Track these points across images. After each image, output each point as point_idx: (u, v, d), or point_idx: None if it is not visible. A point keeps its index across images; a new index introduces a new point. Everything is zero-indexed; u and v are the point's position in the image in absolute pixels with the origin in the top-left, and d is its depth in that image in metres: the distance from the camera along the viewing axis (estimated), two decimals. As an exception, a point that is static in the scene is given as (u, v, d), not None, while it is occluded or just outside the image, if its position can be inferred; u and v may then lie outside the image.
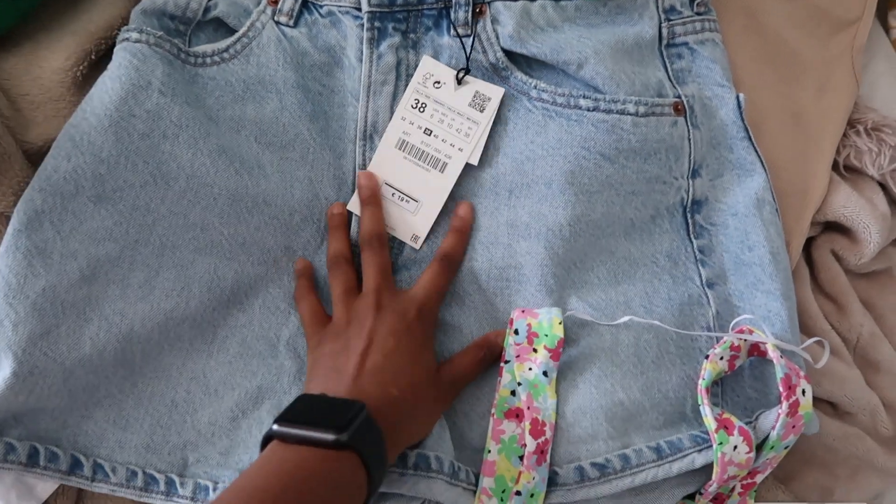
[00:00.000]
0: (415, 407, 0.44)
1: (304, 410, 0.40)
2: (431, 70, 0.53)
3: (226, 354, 0.50)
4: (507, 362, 0.48)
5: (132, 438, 0.48)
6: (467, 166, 0.52)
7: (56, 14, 0.53)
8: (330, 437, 0.37)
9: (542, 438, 0.45)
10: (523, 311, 0.50)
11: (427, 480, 0.44)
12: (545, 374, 0.47)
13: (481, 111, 0.52)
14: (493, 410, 0.47)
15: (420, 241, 0.52)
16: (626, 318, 0.49)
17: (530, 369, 0.47)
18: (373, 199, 0.51)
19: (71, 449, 0.46)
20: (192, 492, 0.47)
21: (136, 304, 0.48)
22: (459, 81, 0.53)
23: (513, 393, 0.47)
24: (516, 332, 0.49)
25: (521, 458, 0.46)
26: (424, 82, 0.53)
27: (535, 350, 0.48)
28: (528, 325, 0.49)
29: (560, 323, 0.48)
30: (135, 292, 0.48)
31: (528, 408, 0.46)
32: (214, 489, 0.47)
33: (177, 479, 0.47)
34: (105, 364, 0.47)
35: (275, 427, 0.38)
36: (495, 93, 0.52)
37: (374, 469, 0.38)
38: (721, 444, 0.45)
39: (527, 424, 0.46)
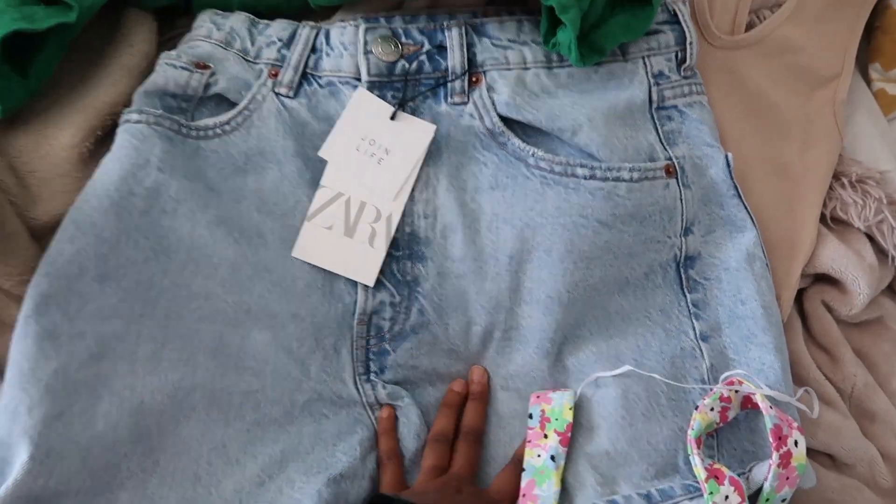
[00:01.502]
0: None
1: None
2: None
3: (242, 422, 0.50)
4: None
5: None
6: (469, 232, 0.53)
7: (63, 91, 0.54)
8: None
9: None
10: (538, 397, 0.51)
11: None
12: (553, 458, 0.48)
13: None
14: None
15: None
16: (624, 369, 0.50)
17: (539, 456, 0.48)
18: (481, 395, 0.53)
19: None
20: None
21: (144, 378, 0.48)
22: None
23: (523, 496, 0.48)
24: (531, 416, 0.50)
25: None
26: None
27: (545, 436, 0.49)
28: (542, 410, 0.50)
29: (570, 409, 0.49)
30: (143, 366, 0.48)
31: (525, 495, 0.47)
32: None
33: None
34: (121, 440, 0.47)
35: None
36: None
37: None
38: (711, 493, 0.46)
39: None
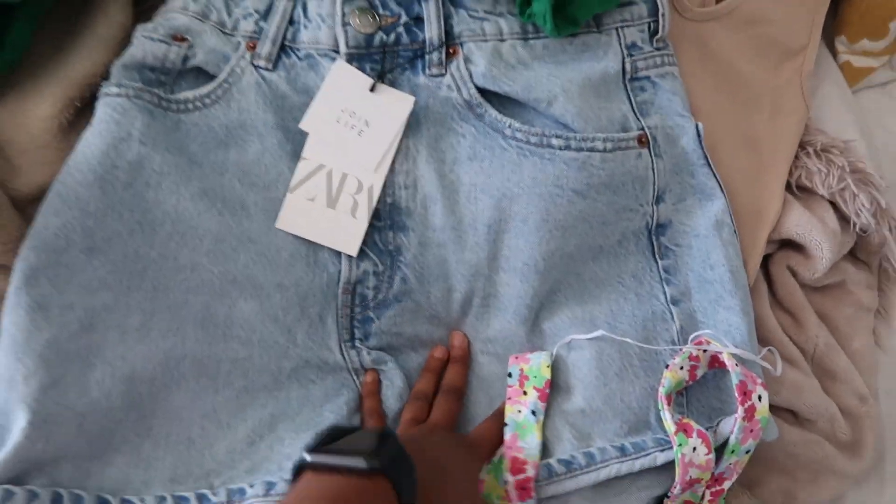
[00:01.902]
0: (452, 476, 0.46)
1: (335, 438, 0.40)
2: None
3: (232, 389, 0.51)
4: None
5: (156, 476, 0.49)
6: (449, 202, 0.54)
7: (40, 63, 0.54)
8: (363, 464, 0.37)
9: (523, 475, 0.48)
10: (517, 358, 0.53)
11: None
12: (533, 412, 0.50)
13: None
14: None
15: (354, 251, 0.54)
16: (598, 333, 0.52)
17: (519, 411, 0.51)
18: (462, 358, 0.55)
19: (96, 492, 0.47)
20: (226, 497, 0.48)
21: (135, 347, 0.49)
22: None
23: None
24: (510, 375, 0.52)
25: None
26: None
27: (524, 392, 0.51)
28: (521, 369, 0.52)
29: (548, 366, 0.52)
30: (132, 336, 0.49)
31: (510, 447, 0.49)
32: (251, 486, 0.48)
33: (208, 492, 0.48)
34: (114, 407, 0.48)
35: (307, 457, 0.38)
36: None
37: (405, 496, 0.39)
38: (681, 445, 0.49)
39: (506, 462, 0.49)
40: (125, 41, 0.55)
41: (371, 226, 0.54)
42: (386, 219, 0.55)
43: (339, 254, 0.54)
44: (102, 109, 0.52)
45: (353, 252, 0.54)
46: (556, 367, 0.53)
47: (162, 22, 0.55)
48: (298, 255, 0.54)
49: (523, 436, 0.50)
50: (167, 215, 0.51)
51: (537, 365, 0.52)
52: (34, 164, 0.52)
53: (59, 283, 0.48)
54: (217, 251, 0.52)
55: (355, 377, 0.54)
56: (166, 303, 0.51)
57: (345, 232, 0.54)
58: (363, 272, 0.54)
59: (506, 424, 0.50)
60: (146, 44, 0.54)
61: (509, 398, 0.52)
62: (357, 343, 0.54)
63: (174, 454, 0.50)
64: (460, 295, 0.55)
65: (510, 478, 0.48)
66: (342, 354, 0.54)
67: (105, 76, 0.54)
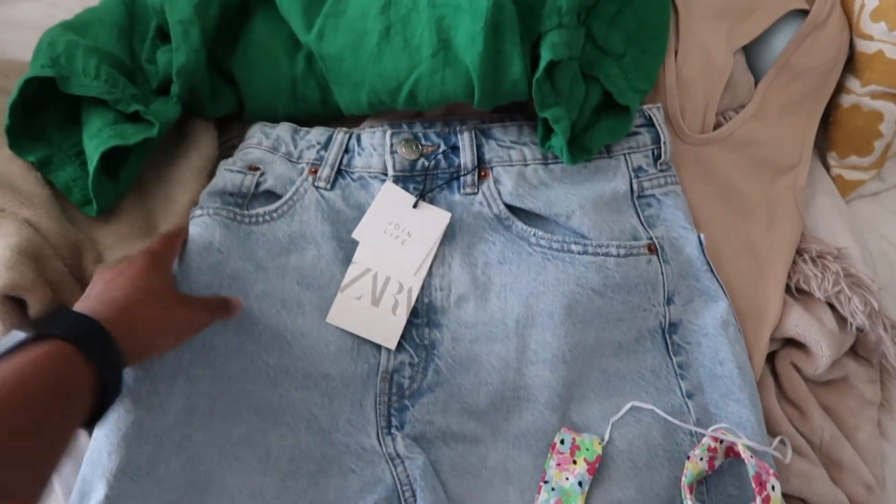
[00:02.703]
0: (148, 301, 0.49)
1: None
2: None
3: (278, 473, 0.57)
4: (546, 482, 0.56)
5: None
6: (480, 301, 0.62)
7: (147, 192, 0.66)
8: (25, 335, 0.40)
9: None
10: (568, 430, 0.58)
11: None
12: (580, 484, 0.55)
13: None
14: None
15: (393, 345, 0.61)
16: (628, 406, 0.58)
17: (567, 479, 0.56)
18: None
19: None
20: None
21: (200, 430, 0.56)
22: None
23: None
24: (562, 442, 0.57)
25: None
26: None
27: (574, 462, 0.56)
28: (573, 438, 0.57)
29: (600, 444, 0.57)
30: (199, 419, 0.56)
31: None
32: None
33: None
34: (176, 485, 0.54)
35: None
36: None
37: (93, 357, 0.41)
38: None
39: None
40: (212, 170, 0.66)
41: (409, 322, 0.62)
42: (423, 316, 0.62)
43: (379, 347, 0.61)
44: (192, 227, 0.62)
45: (392, 346, 0.61)
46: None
47: (240, 156, 0.66)
48: (344, 348, 0.61)
49: (567, 502, 0.54)
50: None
51: (590, 440, 0.57)
52: None
53: (145, 366, 0.55)
54: (274, 345, 0.60)
55: (391, 465, 0.58)
56: (229, 389, 0.58)
57: (386, 327, 0.61)
58: (400, 363, 0.61)
59: (552, 489, 0.55)
60: (227, 175, 0.64)
61: (559, 464, 0.56)
62: (393, 430, 0.59)
63: None
64: (491, 388, 0.60)
65: None
66: (378, 440, 0.59)
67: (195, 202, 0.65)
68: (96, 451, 0.53)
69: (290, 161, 0.66)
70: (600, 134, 0.63)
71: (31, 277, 0.56)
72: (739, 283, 0.66)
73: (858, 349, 0.69)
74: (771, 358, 0.67)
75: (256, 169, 0.65)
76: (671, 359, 0.62)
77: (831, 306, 0.68)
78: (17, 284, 0.55)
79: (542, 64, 0.58)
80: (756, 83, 0.74)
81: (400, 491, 0.57)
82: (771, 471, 0.55)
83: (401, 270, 0.63)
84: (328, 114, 0.69)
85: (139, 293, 0.50)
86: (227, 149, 0.69)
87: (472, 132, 0.65)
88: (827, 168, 0.79)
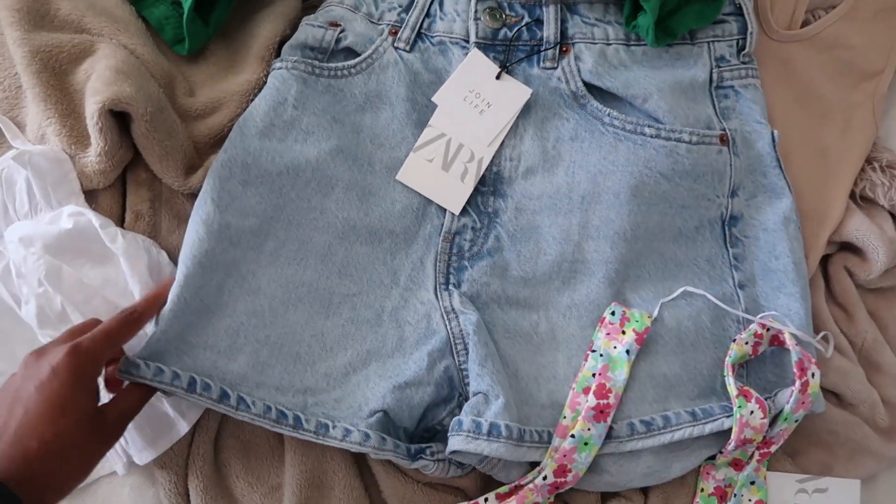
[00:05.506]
0: (64, 453, 0.47)
1: None
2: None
3: (339, 318, 0.61)
4: (593, 351, 0.59)
5: (266, 381, 0.58)
6: (548, 175, 0.63)
7: (233, 36, 0.67)
8: None
9: (605, 401, 0.56)
10: (619, 304, 0.60)
11: (497, 444, 0.54)
12: (627, 352, 0.58)
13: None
14: (573, 385, 0.58)
15: (457, 211, 0.62)
16: (680, 290, 0.60)
17: (615, 347, 0.58)
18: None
19: (220, 383, 0.57)
20: (314, 427, 0.56)
21: (265, 268, 0.60)
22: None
23: (593, 374, 0.58)
24: (612, 314, 0.59)
25: None
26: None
27: (623, 332, 0.59)
28: (623, 311, 0.60)
29: (649, 318, 0.59)
30: (266, 258, 0.60)
31: (600, 374, 0.57)
32: (333, 427, 0.56)
33: (301, 416, 0.57)
34: (237, 312, 0.58)
35: None
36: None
37: None
38: (740, 407, 0.56)
39: (594, 386, 0.56)
40: (296, 21, 0.67)
41: (476, 189, 0.63)
42: (489, 185, 0.64)
43: (444, 210, 0.63)
44: (270, 80, 0.63)
45: (457, 211, 0.63)
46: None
47: (322, 13, 0.67)
48: (410, 207, 0.63)
49: (613, 368, 0.57)
50: (308, 164, 0.61)
51: (639, 314, 0.59)
52: (222, 114, 0.65)
53: (221, 204, 0.59)
54: (344, 199, 0.62)
55: (446, 318, 0.60)
56: (296, 236, 0.61)
57: (452, 192, 0.63)
58: (462, 225, 0.63)
59: (600, 355, 0.58)
60: (308, 29, 0.65)
61: (608, 333, 0.59)
62: (451, 287, 0.62)
63: (282, 364, 0.59)
64: (549, 258, 0.62)
65: (593, 400, 0.56)
66: (436, 294, 0.62)
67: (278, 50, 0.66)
68: (177, 276, 0.57)
69: (370, 21, 0.66)
70: (688, 17, 0.62)
71: (130, 93, 0.58)
72: (806, 184, 0.66)
73: (913, 262, 0.69)
74: (823, 262, 0.68)
75: (337, 25, 0.66)
76: (727, 250, 0.63)
77: (893, 217, 0.68)
78: (119, 98, 0.58)
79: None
80: (853, -18, 0.71)
81: (453, 343, 0.59)
82: (813, 360, 0.57)
83: (475, 139, 0.64)
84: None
85: (56, 439, 0.47)
86: (309, 8, 0.69)
87: (558, 6, 0.65)
88: (908, 81, 0.77)
